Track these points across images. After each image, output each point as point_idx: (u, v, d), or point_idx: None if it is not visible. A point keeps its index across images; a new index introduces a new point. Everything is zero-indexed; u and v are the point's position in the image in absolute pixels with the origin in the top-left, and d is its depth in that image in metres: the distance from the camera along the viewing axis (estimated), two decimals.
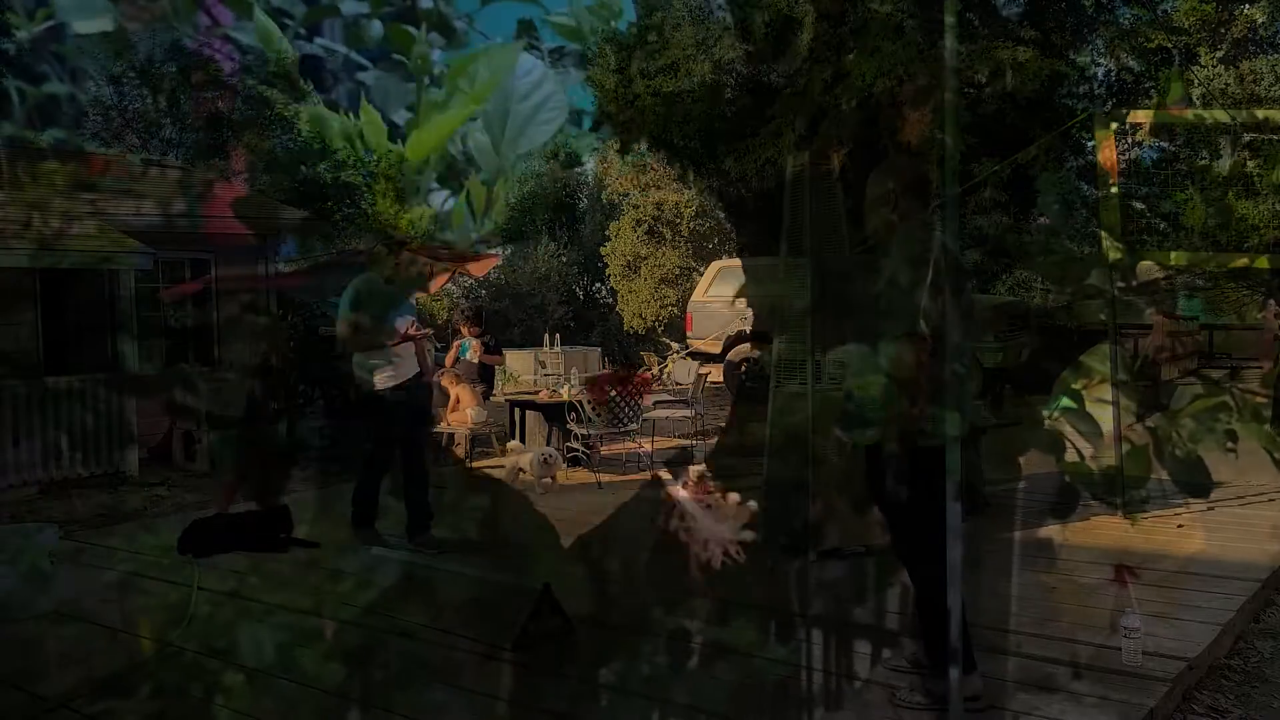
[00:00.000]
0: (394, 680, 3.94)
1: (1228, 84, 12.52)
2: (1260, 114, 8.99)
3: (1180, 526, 5.92)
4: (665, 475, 7.56)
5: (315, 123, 14.87)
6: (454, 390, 8.81)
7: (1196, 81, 12.58)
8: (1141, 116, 8.08)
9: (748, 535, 4.41)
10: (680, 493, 6.50)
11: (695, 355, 13.83)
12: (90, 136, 16.23)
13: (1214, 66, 12.67)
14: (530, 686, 3.88)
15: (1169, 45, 12.47)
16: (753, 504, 5.55)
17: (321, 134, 14.64)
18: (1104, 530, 5.85)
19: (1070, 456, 3.83)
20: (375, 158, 15.41)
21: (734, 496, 5.53)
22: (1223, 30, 12.71)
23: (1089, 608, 4.48)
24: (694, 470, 7.21)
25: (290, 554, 5.77)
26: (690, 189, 13.95)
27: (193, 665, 4.13)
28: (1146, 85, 12.68)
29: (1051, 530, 5.81)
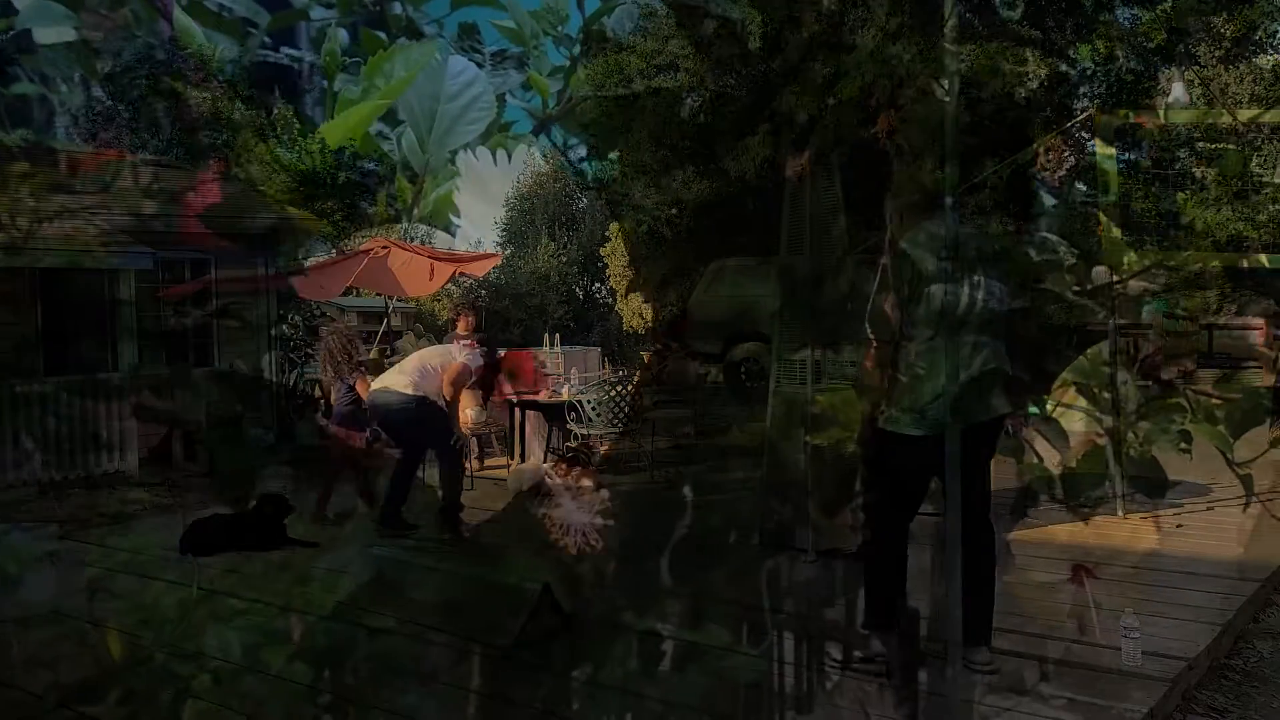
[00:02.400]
0: (384, 677, 3.94)
1: (1228, 84, 12.54)
2: (1244, 114, 8.99)
3: (1180, 526, 5.92)
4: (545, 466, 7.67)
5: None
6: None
7: (1197, 81, 12.59)
8: (1141, 117, 8.08)
9: (600, 521, 4.47)
10: (553, 480, 6.65)
11: (695, 355, 13.83)
12: (90, 138, 16.29)
13: (1213, 67, 12.68)
14: (516, 682, 3.89)
15: (1169, 46, 12.47)
16: (605, 492, 5.63)
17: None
18: (1103, 530, 5.85)
19: (1030, 460, 3.90)
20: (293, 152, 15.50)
21: (587, 484, 5.61)
22: (1222, 30, 12.71)
23: (1087, 607, 4.47)
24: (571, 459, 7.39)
25: (287, 553, 5.78)
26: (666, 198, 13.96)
27: (190, 664, 4.13)
28: (1146, 85, 12.68)
29: (1051, 530, 5.80)
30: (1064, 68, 12.40)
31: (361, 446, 6.68)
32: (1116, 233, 5.90)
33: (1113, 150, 6.36)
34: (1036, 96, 11.33)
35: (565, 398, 8.46)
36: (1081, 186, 6.31)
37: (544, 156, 23.53)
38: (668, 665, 4.05)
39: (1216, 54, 12.88)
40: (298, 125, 17.55)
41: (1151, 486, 5.30)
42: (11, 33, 24.95)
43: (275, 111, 17.00)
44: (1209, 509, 6.34)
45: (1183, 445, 4.23)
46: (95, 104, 16.21)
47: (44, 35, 24.67)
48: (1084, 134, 11.38)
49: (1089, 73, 12.93)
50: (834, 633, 4.28)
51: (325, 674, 4.04)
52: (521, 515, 6.97)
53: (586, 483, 6.52)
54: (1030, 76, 10.80)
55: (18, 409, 8.24)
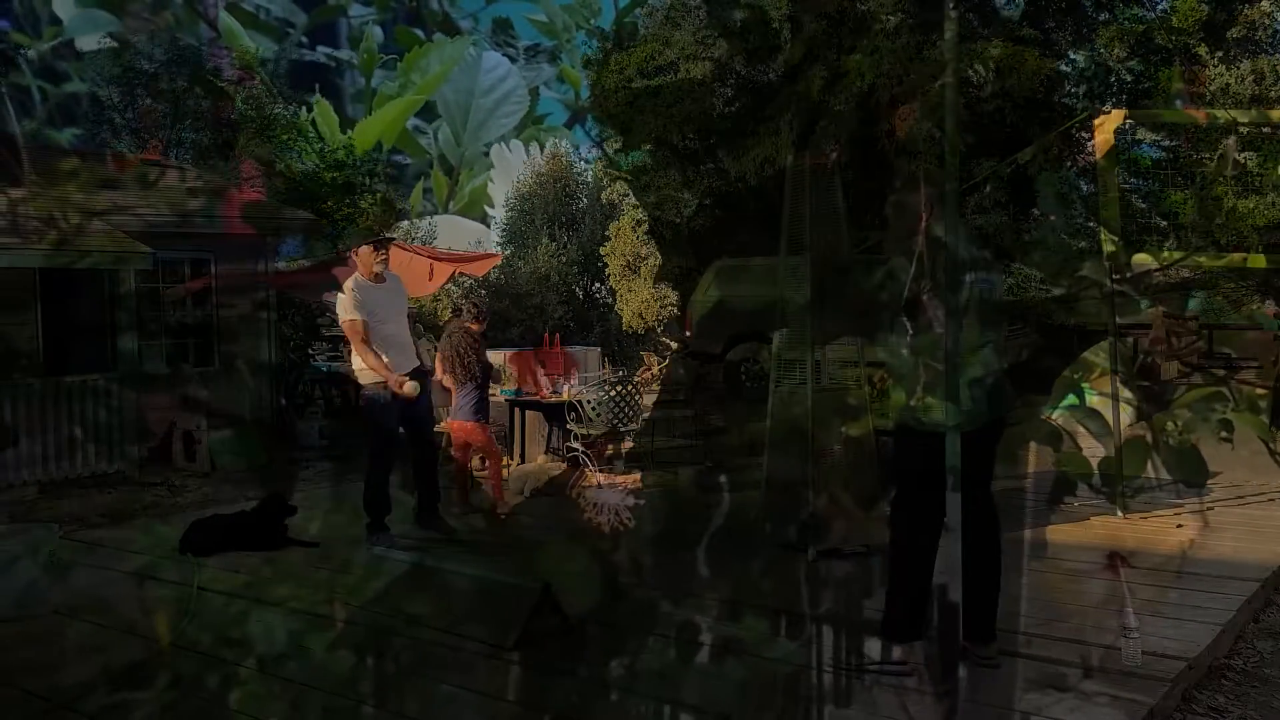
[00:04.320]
0: (392, 678, 3.94)
1: (1229, 84, 12.52)
2: (1276, 114, 9.00)
3: (1180, 526, 5.91)
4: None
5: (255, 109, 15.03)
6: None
7: (1198, 81, 12.57)
8: (1140, 116, 8.06)
9: (631, 501, 4.49)
10: (589, 468, 6.72)
11: (695, 355, 13.82)
12: (91, 137, 16.31)
13: (1215, 66, 12.65)
14: (530, 683, 3.89)
15: (1169, 45, 12.47)
16: (637, 474, 5.64)
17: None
18: (1105, 529, 5.85)
19: (1069, 449, 3.88)
20: (330, 147, 15.56)
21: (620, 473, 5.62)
22: (1223, 31, 12.69)
23: (1089, 607, 4.48)
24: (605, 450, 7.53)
25: (288, 553, 5.78)
26: (684, 193, 13.91)
27: (191, 663, 4.13)
28: (1146, 85, 12.67)
29: (1052, 529, 5.80)
30: (1065, 68, 12.40)
31: (484, 440, 7.05)
32: (1111, 233, 5.90)
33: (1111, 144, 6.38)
34: (1039, 96, 11.33)
35: (565, 398, 8.46)
36: (1116, 175, 6.31)
37: (548, 157, 23.53)
38: (669, 663, 4.05)
39: (1217, 54, 12.86)
40: (326, 128, 17.60)
41: (1189, 480, 5.28)
42: (59, 40, 25.32)
43: (312, 110, 17.05)
44: (1210, 509, 6.34)
45: (1224, 434, 4.21)
46: (130, 99, 16.28)
47: (88, 42, 25.04)
48: (1084, 134, 11.37)
49: (1089, 72, 12.92)
50: (840, 633, 4.28)
51: (321, 671, 4.04)
52: (523, 515, 6.98)
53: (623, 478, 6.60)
54: (1035, 76, 10.80)
55: (18, 409, 8.24)
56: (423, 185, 30.60)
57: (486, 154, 31.45)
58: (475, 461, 8.75)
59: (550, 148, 24.30)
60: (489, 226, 26.95)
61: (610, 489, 4.75)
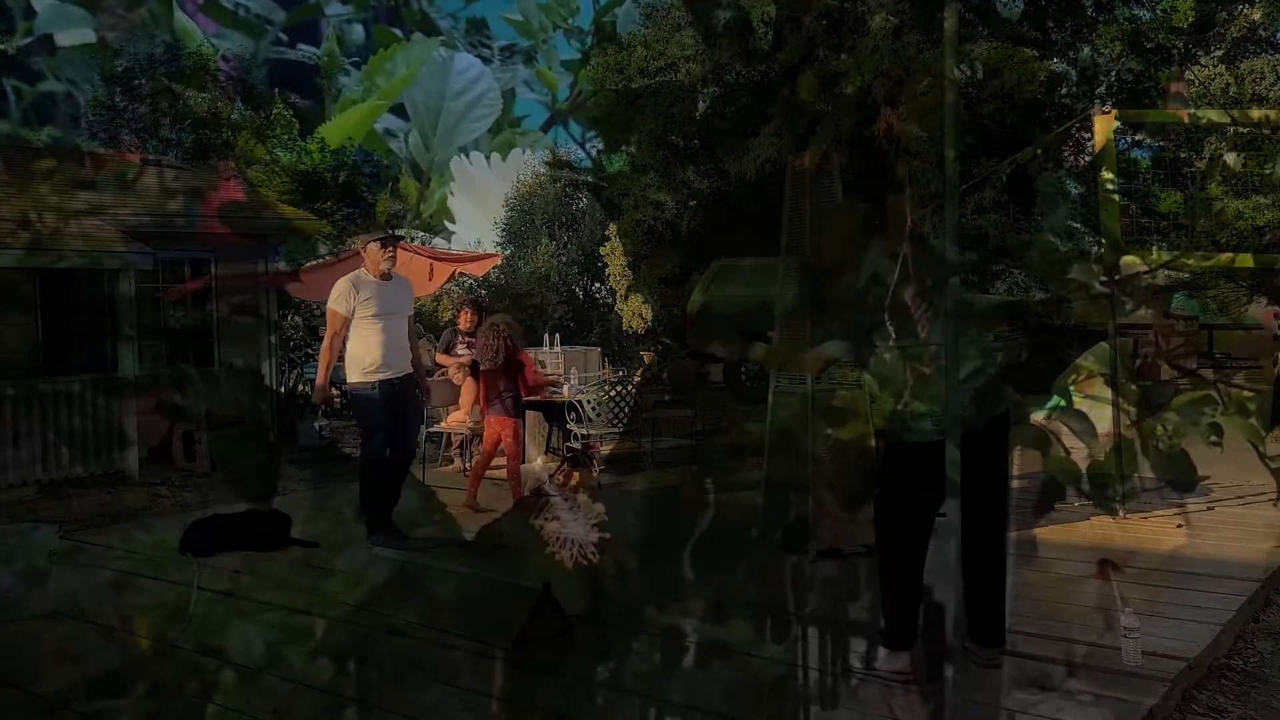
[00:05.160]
0: (390, 679, 3.94)
1: (1229, 84, 12.52)
2: (1255, 114, 9.01)
3: (1180, 526, 5.91)
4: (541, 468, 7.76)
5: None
6: (466, 387, 8.70)
7: (1196, 81, 12.57)
8: (1139, 116, 8.06)
9: (595, 535, 4.44)
10: (550, 488, 6.63)
11: (695, 355, 13.81)
12: (89, 136, 16.29)
13: (1214, 66, 12.66)
14: (527, 684, 3.89)
15: (1169, 45, 12.47)
16: (600, 505, 5.62)
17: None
18: (1103, 530, 5.85)
19: (1057, 453, 3.86)
20: (290, 152, 15.51)
21: (584, 497, 5.58)
22: (1221, 30, 12.70)
23: (1088, 607, 4.47)
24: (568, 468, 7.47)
25: (288, 553, 5.78)
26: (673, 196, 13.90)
27: (191, 664, 4.13)
28: (1146, 85, 12.68)
29: (1051, 530, 5.80)
30: (1064, 67, 12.41)
31: (514, 438, 7.03)
32: (1110, 235, 5.90)
33: (1112, 145, 6.38)
34: (1038, 95, 11.33)
35: (565, 398, 8.45)
36: (1109, 175, 6.29)
37: (545, 162, 23.49)
38: (668, 664, 4.05)
39: (1217, 53, 12.87)
40: (296, 125, 17.62)
41: (1178, 483, 5.26)
42: (31, 37, 25.17)
43: (274, 111, 17.08)
44: (1209, 509, 6.34)
45: (1213, 438, 4.21)
46: (106, 103, 16.27)
47: (63, 38, 24.84)
48: (1084, 134, 11.38)
49: (1089, 72, 12.93)
50: (836, 634, 4.28)
51: (318, 673, 4.04)
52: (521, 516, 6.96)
53: (583, 496, 6.52)
54: (1034, 76, 10.81)
55: (18, 409, 8.24)
56: (390, 191, 30.25)
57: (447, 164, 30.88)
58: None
59: (538, 153, 24.29)
60: (448, 241, 26.52)
61: (574, 521, 4.71)
